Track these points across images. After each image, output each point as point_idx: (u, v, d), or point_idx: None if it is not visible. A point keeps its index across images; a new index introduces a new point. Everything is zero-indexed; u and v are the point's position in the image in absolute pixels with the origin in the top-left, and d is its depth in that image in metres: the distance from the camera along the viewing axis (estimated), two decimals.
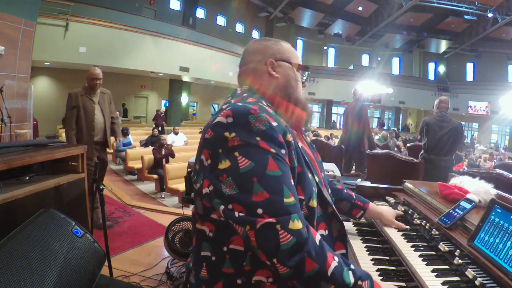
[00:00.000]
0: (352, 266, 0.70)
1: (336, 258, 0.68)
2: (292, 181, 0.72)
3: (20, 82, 5.62)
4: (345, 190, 1.17)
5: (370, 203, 1.20)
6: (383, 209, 1.23)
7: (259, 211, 0.66)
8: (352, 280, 0.67)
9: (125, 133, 7.70)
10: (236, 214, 0.67)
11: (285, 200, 0.67)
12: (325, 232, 0.86)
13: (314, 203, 0.80)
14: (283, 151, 0.73)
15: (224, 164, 0.70)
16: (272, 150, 0.71)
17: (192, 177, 0.81)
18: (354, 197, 1.16)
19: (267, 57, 0.91)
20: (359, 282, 0.68)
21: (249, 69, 0.92)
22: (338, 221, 0.89)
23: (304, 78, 0.97)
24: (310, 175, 0.82)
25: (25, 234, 1.28)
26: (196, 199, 0.80)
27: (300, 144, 0.84)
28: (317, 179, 0.85)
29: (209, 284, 0.77)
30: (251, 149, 0.70)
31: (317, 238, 0.69)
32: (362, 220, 1.32)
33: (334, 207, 0.89)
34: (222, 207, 0.69)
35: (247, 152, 0.69)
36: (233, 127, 0.71)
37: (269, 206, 0.66)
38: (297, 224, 0.66)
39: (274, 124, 0.73)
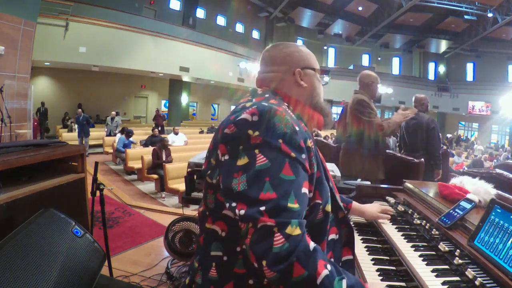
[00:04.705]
0: (344, 275, 0.67)
1: (329, 267, 0.65)
2: (303, 189, 0.71)
3: (20, 82, 5.61)
4: None
5: (353, 202, 1.26)
6: (366, 207, 1.29)
7: (262, 208, 0.65)
8: None
9: (129, 135, 7.69)
10: (237, 211, 0.67)
11: (289, 205, 0.66)
12: (336, 237, 0.87)
13: (329, 207, 0.81)
14: (303, 156, 0.73)
15: (242, 161, 0.70)
16: (292, 154, 0.71)
17: (205, 171, 0.80)
18: None
19: (293, 66, 0.91)
20: None
21: (273, 77, 0.91)
22: (347, 227, 0.91)
23: (323, 82, 0.99)
24: (325, 181, 0.83)
25: (25, 234, 1.28)
26: (209, 192, 0.80)
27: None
28: (330, 185, 0.86)
29: (218, 285, 0.75)
30: (271, 149, 0.70)
31: (311, 245, 0.67)
32: (363, 220, 1.33)
33: (345, 212, 0.91)
34: (229, 203, 0.70)
35: (267, 152, 0.70)
36: (258, 126, 0.72)
37: (273, 206, 0.65)
38: (295, 230, 0.64)
39: (297, 128, 0.74)
